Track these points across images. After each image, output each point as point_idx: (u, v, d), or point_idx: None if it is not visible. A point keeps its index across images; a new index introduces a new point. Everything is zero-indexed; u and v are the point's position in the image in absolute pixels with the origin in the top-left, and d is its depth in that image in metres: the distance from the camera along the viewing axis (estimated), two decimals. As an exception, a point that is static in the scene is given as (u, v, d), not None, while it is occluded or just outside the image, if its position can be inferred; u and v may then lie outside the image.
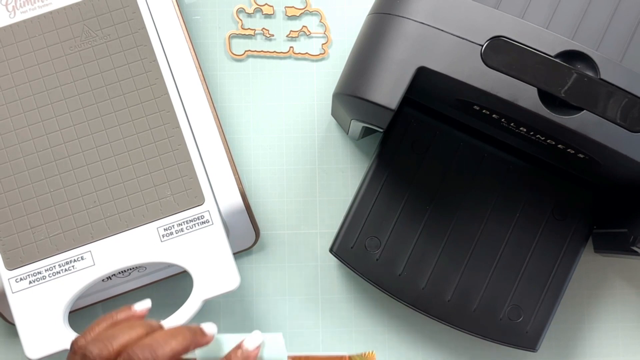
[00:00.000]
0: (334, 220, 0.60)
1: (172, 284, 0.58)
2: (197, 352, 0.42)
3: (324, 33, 0.61)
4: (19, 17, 0.55)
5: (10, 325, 0.56)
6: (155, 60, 0.55)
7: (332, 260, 0.59)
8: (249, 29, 0.61)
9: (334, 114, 0.59)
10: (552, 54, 0.46)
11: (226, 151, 0.56)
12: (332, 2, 0.62)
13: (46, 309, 0.51)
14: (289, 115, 0.61)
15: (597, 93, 0.45)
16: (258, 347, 0.42)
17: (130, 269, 0.55)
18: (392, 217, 0.55)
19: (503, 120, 0.50)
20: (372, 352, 0.40)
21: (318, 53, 0.61)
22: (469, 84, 0.46)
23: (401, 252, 0.55)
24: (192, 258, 0.52)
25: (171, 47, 0.56)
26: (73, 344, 0.39)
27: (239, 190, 0.56)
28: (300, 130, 0.61)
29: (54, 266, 0.52)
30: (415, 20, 0.47)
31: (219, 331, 0.42)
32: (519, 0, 0.49)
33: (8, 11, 0.55)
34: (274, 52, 0.61)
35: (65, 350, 0.49)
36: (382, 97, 0.46)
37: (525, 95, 0.45)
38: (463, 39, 0.46)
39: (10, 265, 0.52)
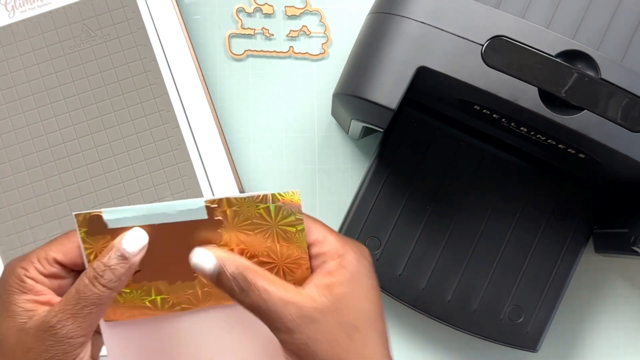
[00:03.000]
0: (334, 220, 0.59)
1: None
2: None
3: (324, 33, 0.61)
4: (18, 16, 0.55)
5: (10, 325, 0.56)
6: (154, 60, 0.55)
7: (332, 261, 0.59)
8: (248, 28, 0.61)
9: (334, 114, 0.59)
10: (553, 54, 0.46)
11: (226, 151, 0.56)
12: (332, 2, 0.62)
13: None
14: (289, 115, 0.61)
15: (597, 93, 0.45)
16: (141, 253, 0.37)
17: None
18: (392, 217, 0.55)
19: (503, 120, 0.50)
20: (296, 191, 0.38)
21: (318, 53, 0.61)
22: (469, 83, 0.46)
23: (401, 252, 0.54)
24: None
25: (171, 47, 0.56)
26: None
27: (239, 190, 0.56)
28: (300, 130, 0.61)
29: (54, 266, 0.52)
30: (415, 20, 0.47)
31: None
32: (520, 0, 0.49)
33: (7, 10, 0.55)
34: (274, 51, 0.61)
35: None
36: (382, 97, 0.46)
37: (525, 95, 0.45)
38: (463, 38, 0.46)
39: (10, 266, 0.52)
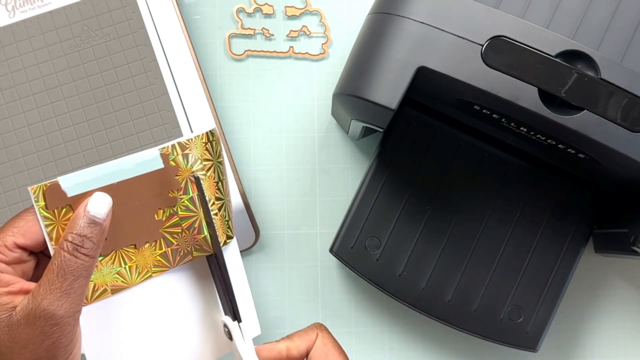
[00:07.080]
0: (334, 220, 0.59)
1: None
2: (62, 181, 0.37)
3: (324, 33, 0.61)
4: (19, 16, 0.55)
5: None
6: (155, 60, 0.55)
7: (332, 260, 0.59)
8: (249, 28, 0.61)
9: (334, 114, 0.59)
10: (553, 54, 0.46)
11: (226, 151, 0.56)
12: (332, 2, 0.62)
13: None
14: (289, 115, 0.61)
15: (597, 93, 0.45)
16: (109, 216, 0.37)
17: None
18: (392, 217, 0.55)
19: (503, 120, 0.50)
20: (214, 129, 0.41)
21: (318, 53, 0.61)
22: (469, 83, 0.46)
23: (401, 252, 0.55)
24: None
25: (171, 47, 0.56)
26: None
27: (239, 190, 0.56)
28: (300, 130, 0.61)
29: (54, 266, 0.52)
30: (415, 20, 0.47)
31: None
32: (520, 0, 0.49)
33: (7, 11, 0.55)
34: (274, 51, 0.61)
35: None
36: (382, 97, 0.46)
37: (525, 95, 0.45)
38: (463, 38, 0.46)
39: (10, 266, 0.52)
